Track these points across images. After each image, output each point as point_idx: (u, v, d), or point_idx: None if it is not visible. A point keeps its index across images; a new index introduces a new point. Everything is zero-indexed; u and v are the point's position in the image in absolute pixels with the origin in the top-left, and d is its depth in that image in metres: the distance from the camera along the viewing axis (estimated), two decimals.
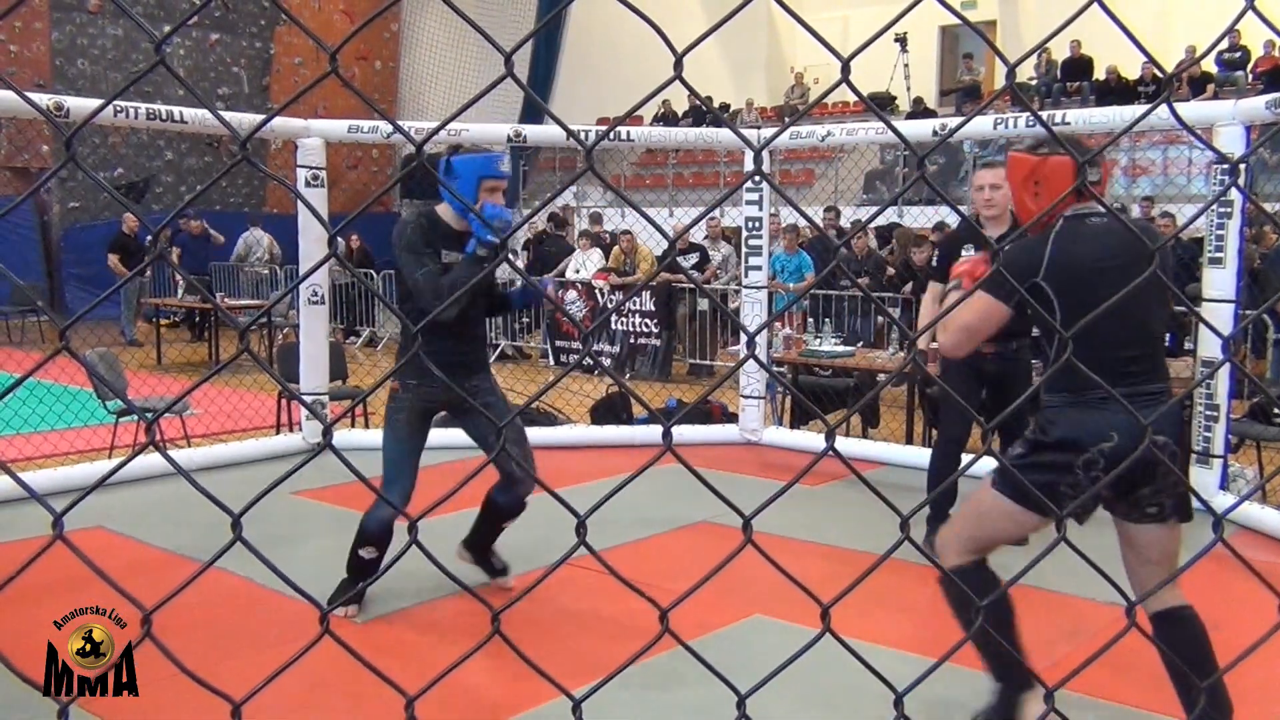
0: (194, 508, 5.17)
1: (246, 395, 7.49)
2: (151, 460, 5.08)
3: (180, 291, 12.86)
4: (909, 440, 6.97)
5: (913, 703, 1.06)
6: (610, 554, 4.55)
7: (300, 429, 7.02)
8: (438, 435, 7.10)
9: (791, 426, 7.55)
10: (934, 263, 5.10)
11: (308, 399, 6.58)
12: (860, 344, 8.28)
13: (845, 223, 12.11)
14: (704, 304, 11.14)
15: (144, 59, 16.49)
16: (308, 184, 6.59)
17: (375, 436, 7.09)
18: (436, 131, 0.97)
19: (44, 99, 6.04)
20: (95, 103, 6.36)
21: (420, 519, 0.98)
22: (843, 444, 6.41)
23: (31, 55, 15.51)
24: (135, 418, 6.34)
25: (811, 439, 6.88)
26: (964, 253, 4.65)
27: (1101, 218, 2.79)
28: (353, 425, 7.30)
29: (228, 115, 6.65)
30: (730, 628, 3.86)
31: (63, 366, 1.60)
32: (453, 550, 4.23)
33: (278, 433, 7.23)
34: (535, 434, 7.00)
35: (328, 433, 0.93)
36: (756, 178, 6.57)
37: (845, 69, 0.93)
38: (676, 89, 1.12)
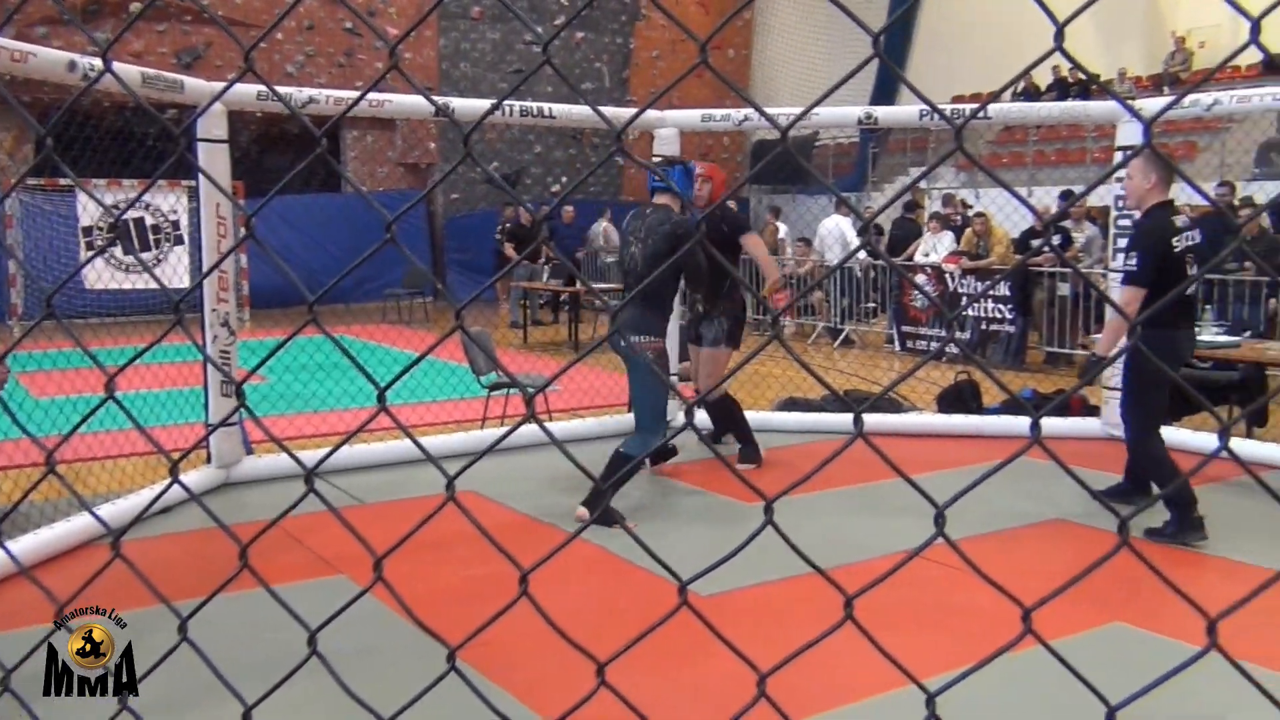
0: (547, 476, 5.48)
1: (603, 375, 7.90)
2: (502, 432, 5.47)
3: (545, 275, 13.75)
4: None
5: None
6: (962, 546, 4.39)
7: None
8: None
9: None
10: None
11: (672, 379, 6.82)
12: (1247, 334, 7.46)
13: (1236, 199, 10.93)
14: (1064, 289, 10.46)
15: (518, 60, 17.77)
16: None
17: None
18: (801, 117, 0.98)
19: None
20: (476, 102, 6.92)
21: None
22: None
23: (422, 61, 17.14)
24: (504, 392, 6.86)
25: (1185, 437, 6.24)
26: None
27: None
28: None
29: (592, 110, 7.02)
30: (1088, 633, 3.64)
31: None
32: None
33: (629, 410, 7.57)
34: (879, 420, 6.89)
35: (689, 413, 0.96)
36: (1128, 153, 6.07)
37: (1255, 29, 0.84)
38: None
